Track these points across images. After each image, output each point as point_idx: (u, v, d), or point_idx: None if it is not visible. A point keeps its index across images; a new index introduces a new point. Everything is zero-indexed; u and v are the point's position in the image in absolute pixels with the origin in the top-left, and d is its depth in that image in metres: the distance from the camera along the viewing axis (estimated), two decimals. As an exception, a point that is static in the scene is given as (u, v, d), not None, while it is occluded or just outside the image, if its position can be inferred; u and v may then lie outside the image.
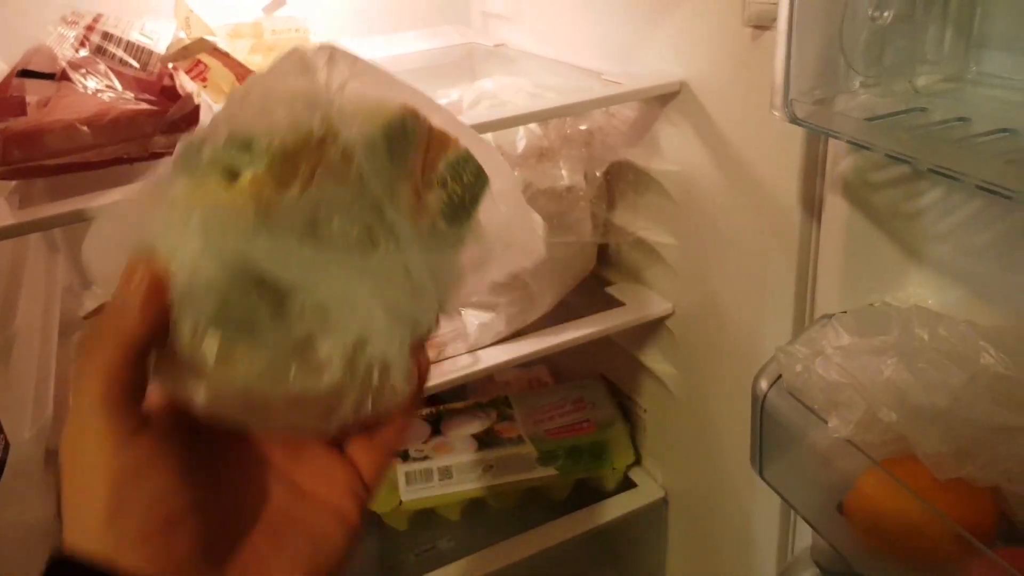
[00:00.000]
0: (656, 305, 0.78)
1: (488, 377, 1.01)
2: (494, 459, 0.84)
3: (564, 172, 0.72)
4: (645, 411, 0.89)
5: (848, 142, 0.45)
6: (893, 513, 0.45)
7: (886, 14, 0.45)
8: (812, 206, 0.57)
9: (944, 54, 0.47)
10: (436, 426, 0.88)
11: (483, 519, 0.87)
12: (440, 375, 0.72)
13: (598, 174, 0.76)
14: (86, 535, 0.26)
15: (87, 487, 0.26)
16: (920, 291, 0.54)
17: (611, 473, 0.87)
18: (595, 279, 0.87)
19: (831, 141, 0.52)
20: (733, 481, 0.77)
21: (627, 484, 0.90)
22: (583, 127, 0.73)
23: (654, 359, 0.83)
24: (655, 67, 0.70)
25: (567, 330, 0.76)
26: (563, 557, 0.84)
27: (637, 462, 0.91)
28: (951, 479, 0.44)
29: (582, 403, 0.90)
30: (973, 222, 0.49)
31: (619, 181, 0.80)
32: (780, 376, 0.53)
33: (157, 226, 0.28)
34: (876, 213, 0.53)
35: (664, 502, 0.88)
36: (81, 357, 0.27)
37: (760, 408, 0.54)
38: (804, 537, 0.70)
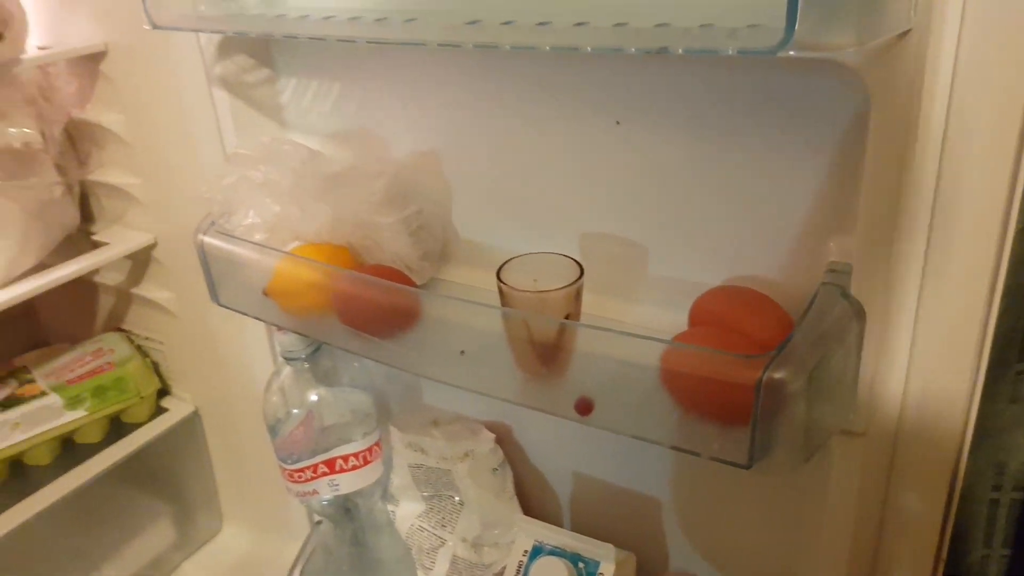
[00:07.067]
0: (138, 238, 0.92)
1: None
2: (19, 416, 0.89)
3: (14, 130, 0.82)
4: (162, 343, 1.01)
5: (206, 31, 0.68)
6: (301, 280, 0.67)
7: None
8: (211, 100, 0.77)
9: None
10: (-56, 403, 0.89)
11: (23, 481, 0.90)
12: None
13: (56, 133, 0.87)
14: None
15: None
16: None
17: (140, 403, 0.97)
18: (85, 236, 0.97)
19: (205, 49, 0.74)
20: (249, 375, 0.92)
21: (161, 413, 1.01)
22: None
23: (152, 290, 0.96)
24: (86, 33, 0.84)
25: (49, 272, 0.84)
26: (104, 493, 0.92)
27: (167, 392, 1.03)
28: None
29: (101, 351, 0.99)
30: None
31: (83, 139, 0.92)
32: (212, 223, 0.72)
33: None
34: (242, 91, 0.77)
35: (196, 415, 1.01)
36: None
37: (203, 254, 0.72)
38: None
